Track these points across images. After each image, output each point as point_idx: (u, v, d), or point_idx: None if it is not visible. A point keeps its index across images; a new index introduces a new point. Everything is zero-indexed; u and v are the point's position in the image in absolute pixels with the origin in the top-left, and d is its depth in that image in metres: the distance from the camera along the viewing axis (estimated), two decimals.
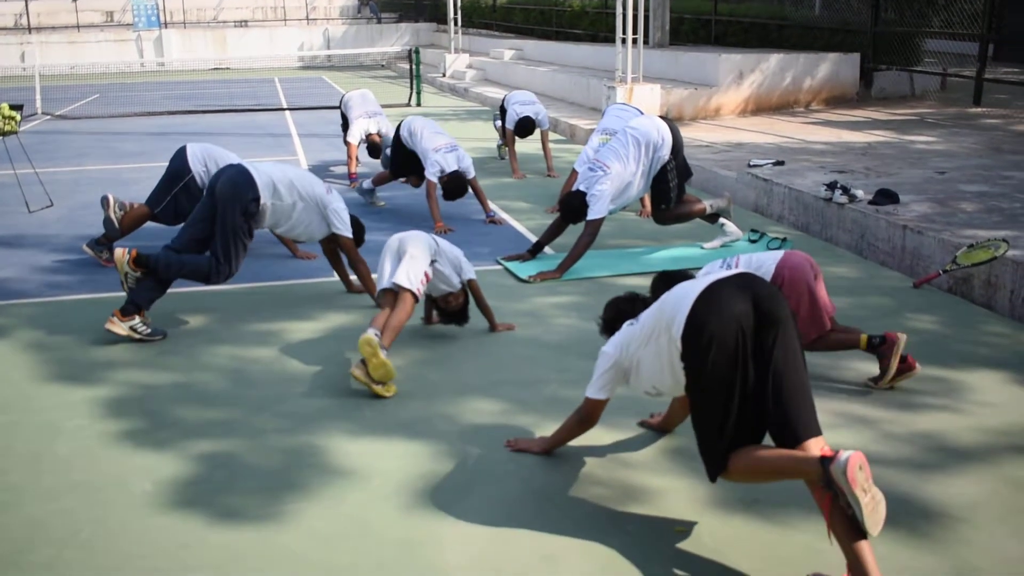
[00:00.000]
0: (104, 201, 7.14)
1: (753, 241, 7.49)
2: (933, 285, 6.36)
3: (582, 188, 6.88)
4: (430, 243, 5.19)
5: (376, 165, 10.52)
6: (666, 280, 4.36)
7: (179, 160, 7.11)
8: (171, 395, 4.77)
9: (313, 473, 3.93)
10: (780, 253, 4.73)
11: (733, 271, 3.37)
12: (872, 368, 4.80)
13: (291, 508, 3.65)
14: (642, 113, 9.27)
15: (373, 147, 10.25)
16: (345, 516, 3.60)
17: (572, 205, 6.88)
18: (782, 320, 3.12)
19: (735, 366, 3.09)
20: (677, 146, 6.96)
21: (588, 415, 3.84)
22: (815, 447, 3.06)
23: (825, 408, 4.42)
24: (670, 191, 7.03)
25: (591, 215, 6.76)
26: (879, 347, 4.68)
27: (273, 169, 5.81)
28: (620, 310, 3.90)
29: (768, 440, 3.20)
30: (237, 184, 5.61)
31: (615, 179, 6.80)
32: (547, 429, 4.23)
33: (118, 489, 3.82)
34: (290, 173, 5.83)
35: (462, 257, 5.38)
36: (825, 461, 2.88)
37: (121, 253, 5.47)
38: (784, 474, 3.12)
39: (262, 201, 5.61)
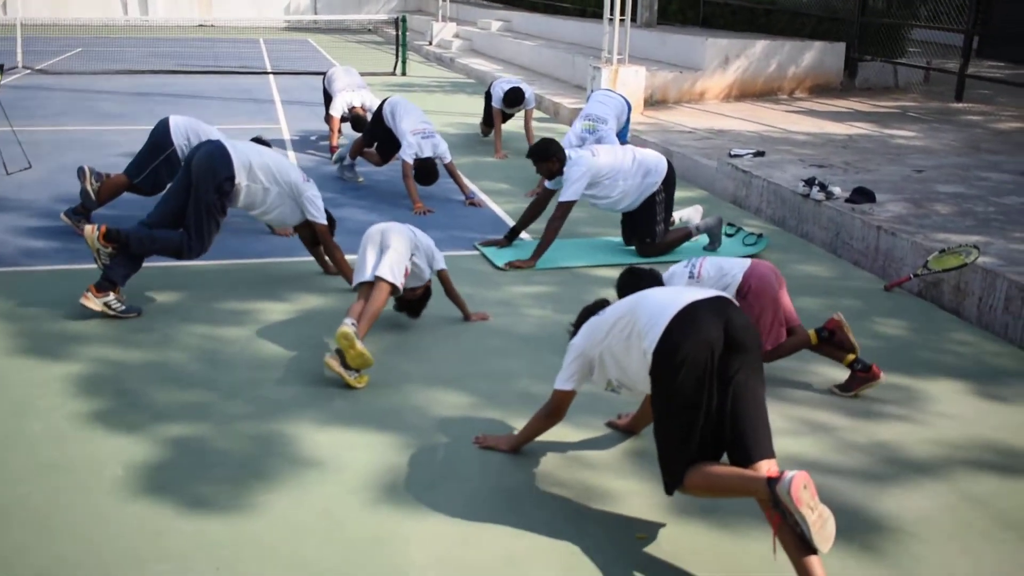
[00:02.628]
0: (80, 172, 7.13)
1: (729, 235, 7.55)
2: (904, 288, 6.45)
3: (567, 151, 6.90)
4: (410, 236, 5.23)
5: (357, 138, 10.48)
6: (633, 278, 4.46)
7: (161, 131, 7.10)
8: (144, 375, 4.80)
9: (283, 463, 3.98)
10: (747, 262, 4.79)
11: (710, 293, 3.43)
12: (836, 374, 4.88)
13: (261, 499, 3.71)
14: (627, 102, 9.33)
15: (357, 120, 10.23)
16: (313, 508, 3.66)
17: (547, 148, 6.88)
18: (750, 349, 3.27)
19: (701, 388, 3.21)
20: (670, 181, 7.04)
21: (556, 408, 3.92)
22: (764, 468, 3.18)
23: (788, 414, 4.53)
24: (656, 224, 7.02)
25: (563, 196, 6.79)
26: (830, 339, 4.78)
27: (251, 150, 5.81)
28: (590, 315, 3.96)
29: (725, 458, 3.32)
30: (213, 160, 5.61)
31: (595, 167, 6.82)
32: (516, 424, 4.31)
33: (89, 473, 3.86)
34: (267, 157, 5.83)
35: (434, 247, 5.42)
36: (771, 482, 3.00)
37: (91, 230, 5.45)
38: (735, 492, 3.24)
39: (236, 181, 5.63)
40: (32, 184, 8.77)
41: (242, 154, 5.68)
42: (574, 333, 3.92)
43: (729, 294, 4.64)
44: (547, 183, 7.05)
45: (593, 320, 3.79)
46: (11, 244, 6.94)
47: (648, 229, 7.06)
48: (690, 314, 3.30)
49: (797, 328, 4.81)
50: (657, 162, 7.04)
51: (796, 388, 4.84)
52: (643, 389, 3.53)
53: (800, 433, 4.35)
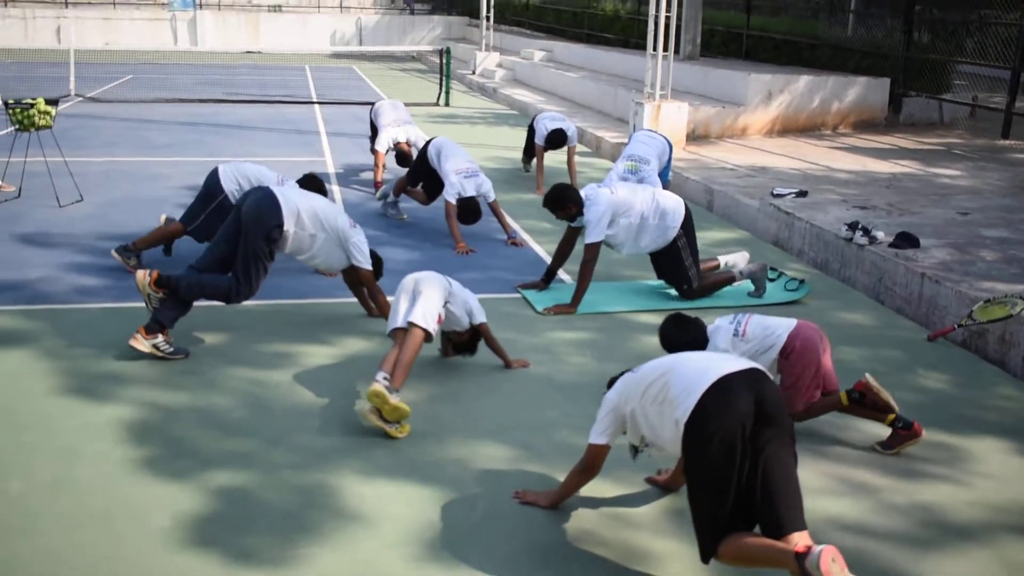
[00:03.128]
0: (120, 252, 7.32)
1: (771, 280, 7.53)
2: (948, 339, 6.40)
3: (583, 195, 6.92)
4: (444, 284, 5.29)
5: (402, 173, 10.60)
6: (678, 330, 4.54)
7: (212, 180, 7.26)
8: (190, 420, 4.89)
9: (325, 515, 4.04)
10: (793, 323, 4.80)
11: (744, 365, 3.47)
12: (877, 431, 4.86)
13: (303, 552, 3.76)
14: (669, 143, 9.37)
15: (402, 156, 10.35)
16: (355, 563, 3.71)
17: (561, 195, 6.85)
18: (780, 423, 3.34)
19: (733, 462, 3.28)
20: (688, 225, 7.03)
21: (590, 462, 3.97)
22: (795, 540, 3.23)
23: (828, 472, 4.52)
24: (687, 269, 7.02)
25: (587, 239, 6.80)
26: (861, 400, 4.75)
27: (300, 197, 5.91)
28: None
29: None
30: (262, 208, 5.72)
31: (614, 203, 6.81)
32: (555, 476, 4.34)
33: (136, 521, 3.94)
34: (316, 204, 5.93)
35: (473, 301, 5.47)
36: (800, 557, 3.06)
37: (143, 276, 5.58)
38: (768, 563, 3.28)
39: (285, 228, 5.72)
40: (83, 218, 8.96)
41: (290, 201, 5.79)
42: (609, 386, 3.97)
43: (773, 354, 4.67)
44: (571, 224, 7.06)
45: (628, 376, 3.85)
46: (62, 280, 7.10)
47: (681, 276, 7.07)
48: (723, 387, 3.36)
49: (834, 392, 4.80)
50: (675, 206, 7.02)
51: (836, 445, 4.83)
52: (673, 452, 3.60)
53: (840, 493, 4.33)
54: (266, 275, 5.86)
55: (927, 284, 6.84)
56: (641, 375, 3.75)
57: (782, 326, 4.78)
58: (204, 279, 5.68)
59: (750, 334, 4.75)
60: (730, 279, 7.20)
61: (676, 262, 7.03)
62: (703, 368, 3.47)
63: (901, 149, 12.96)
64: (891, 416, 4.74)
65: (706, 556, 3.41)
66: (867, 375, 4.81)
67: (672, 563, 3.77)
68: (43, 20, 31.00)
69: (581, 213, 6.86)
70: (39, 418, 4.87)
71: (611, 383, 4.01)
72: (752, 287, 7.22)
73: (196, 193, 7.34)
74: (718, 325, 4.88)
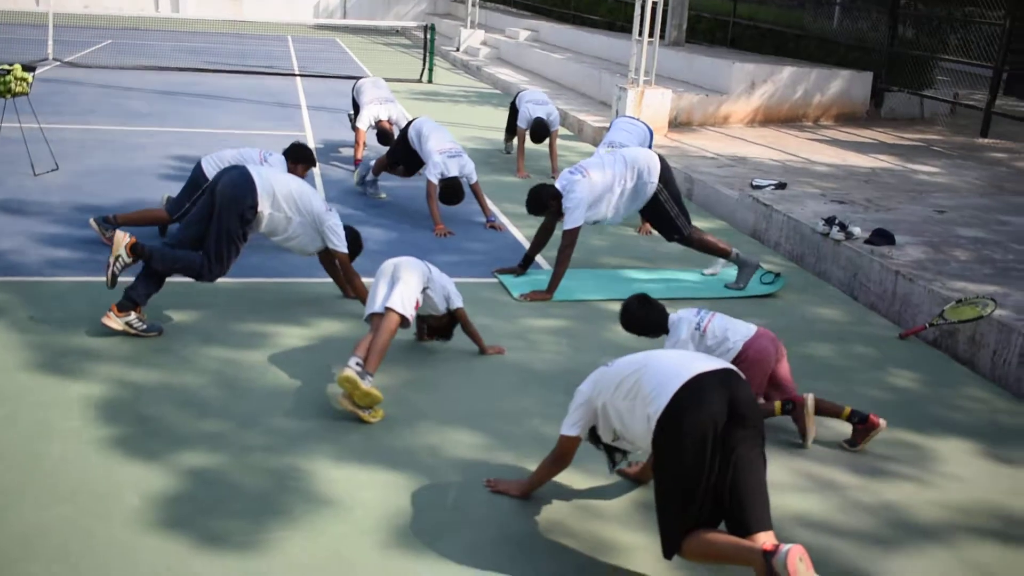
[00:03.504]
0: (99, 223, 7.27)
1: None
2: (919, 337, 6.47)
3: (558, 187, 6.94)
4: (423, 270, 5.28)
5: (383, 152, 10.56)
6: (642, 308, 4.65)
7: (196, 171, 7.21)
8: (162, 399, 4.88)
9: (297, 499, 4.05)
10: (752, 332, 4.86)
11: (717, 365, 3.51)
12: (845, 429, 4.91)
13: (274, 536, 3.77)
14: (650, 130, 9.36)
15: (383, 134, 10.30)
16: (325, 549, 3.73)
17: (539, 197, 6.88)
18: (752, 424, 3.38)
19: (702, 460, 3.31)
20: (666, 176, 7.00)
21: (562, 454, 4.00)
22: (762, 539, 3.27)
23: (795, 469, 4.57)
24: (673, 219, 7.07)
25: (567, 225, 6.81)
26: (791, 411, 4.81)
27: (276, 178, 5.87)
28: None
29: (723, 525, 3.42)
30: (237, 188, 5.68)
31: (590, 187, 6.82)
32: (528, 465, 4.36)
33: (108, 501, 3.94)
34: (291, 185, 5.90)
35: (451, 286, 5.48)
36: (767, 554, 3.10)
37: (122, 236, 5.52)
38: (732, 560, 3.33)
39: (260, 208, 5.69)
40: (58, 188, 8.88)
41: (266, 181, 5.75)
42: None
43: (727, 360, 4.70)
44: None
45: (602, 369, 3.88)
46: (34, 252, 7.03)
47: (670, 227, 7.10)
48: (697, 386, 3.39)
49: (785, 400, 4.85)
50: (648, 160, 6.98)
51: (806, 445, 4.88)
52: (644, 447, 3.63)
53: (807, 490, 4.39)
54: (238, 256, 5.82)
55: (901, 282, 6.90)
56: (615, 369, 3.78)
57: (740, 334, 4.84)
58: (177, 253, 5.65)
59: (710, 333, 4.82)
60: (726, 252, 7.22)
61: (662, 215, 7.06)
62: (677, 365, 3.50)
63: (881, 144, 13.03)
64: (846, 411, 4.79)
65: (669, 552, 3.43)
66: (809, 398, 4.80)
67: (640, 555, 3.80)
68: None
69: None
70: (9, 394, 4.84)
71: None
72: (735, 277, 7.25)
73: (175, 167, 7.32)
74: (681, 316, 4.92)
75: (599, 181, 6.86)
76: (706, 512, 3.37)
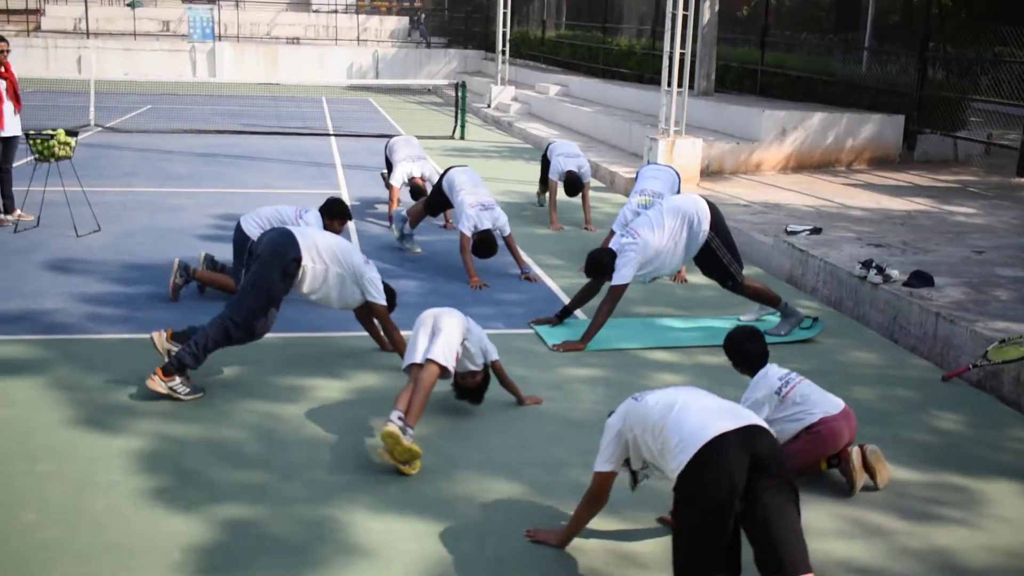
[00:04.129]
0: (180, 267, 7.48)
1: (804, 328, 7.41)
2: (962, 379, 6.37)
3: (613, 247, 6.95)
4: (463, 322, 5.30)
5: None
6: (744, 344, 4.88)
7: (238, 235, 7.33)
8: (203, 452, 4.91)
9: (335, 550, 4.04)
10: (836, 408, 4.78)
11: (741, 422, 3.52)
12: (897, 474, 4.83)
13: None
14: (677, 174, 9.38)
15: (416, 190, 10.41)
16: None
17: (601, 261, 6.88)
18: (777, 473, 3.40)
19: (720, 521, 3.37)
20: (717, 222, 6.99)
21: (598, 492, 4.01)
22: None
23: (840, 515, 4.50)
24: (726, 266, 7.02)
25: (615, 280, 6.81)
26: (837, 466, 4.75)
27: (315, 233, 5.95)
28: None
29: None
30: (279, 244, 5.74)
31: (644, 248, 6.82)
32: (568, 514, 4.31)
33: (148, 554, 3.95)
34: (331, 240, 5.97)
35: (486, 338, 5.49)
36: None
37: (157, 336, 5.60)
38: None
39: (303, 262, 5.74)
40: (100, 247, 9.03)
41: (307, 237, 5.82)
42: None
43: (799, 427, 4.70)
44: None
45: (631, 404, 3.90)
46: (78, 310, 7.15)
47: (723, 273, 7.07)
48: (717, 448, 3.42)
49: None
50: (696, 209, 6.94)
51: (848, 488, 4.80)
52: (673, 480, 3.64)
53: (852, 536, 4.31)
54: (266, 316, 5.74)
55: (941, 323, 6.82)
56: (644, 406, 3.80)
57: (822, 408, 4.75)
58: (207, 332, 5.59)
59: (790, 400, 4.75)
60: (776, 300, 7.19)
61: (714, 261, 7.02)
62: (701, 421, 3.53)
63: (916, 186, 12.97)
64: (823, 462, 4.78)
65: None
66: (855, 449, 4.74)
67: None
68: (64, 50, 31.43)
69: None
70: (53, 448, 4.90)
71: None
72: (776, 324, 7.18)
73: (215, 225, 7.44)
74: (768, 373, 4.85)
75: (653, 241, 6.84)
76: (721, 561, 3.41)
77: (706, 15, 16.65)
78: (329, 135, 18.90)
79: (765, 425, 3.56)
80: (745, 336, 4.86)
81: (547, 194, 11.34)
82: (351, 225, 10.44)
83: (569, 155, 10.93)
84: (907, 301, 7.22)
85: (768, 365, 4.88)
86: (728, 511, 3.35)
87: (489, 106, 23.77)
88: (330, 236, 6.04)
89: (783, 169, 14.25)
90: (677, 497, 3.50)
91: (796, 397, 4.76)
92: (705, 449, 3.41)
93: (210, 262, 7.67)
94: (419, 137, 11.66)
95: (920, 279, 7.54)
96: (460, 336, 5.23)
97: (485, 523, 4.31)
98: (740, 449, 3.39)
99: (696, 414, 3.59)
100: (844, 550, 4.17)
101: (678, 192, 9.47)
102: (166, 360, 5.45)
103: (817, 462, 4.76)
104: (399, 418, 4.75)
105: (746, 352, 4.87)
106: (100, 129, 18.12)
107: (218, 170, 14.05)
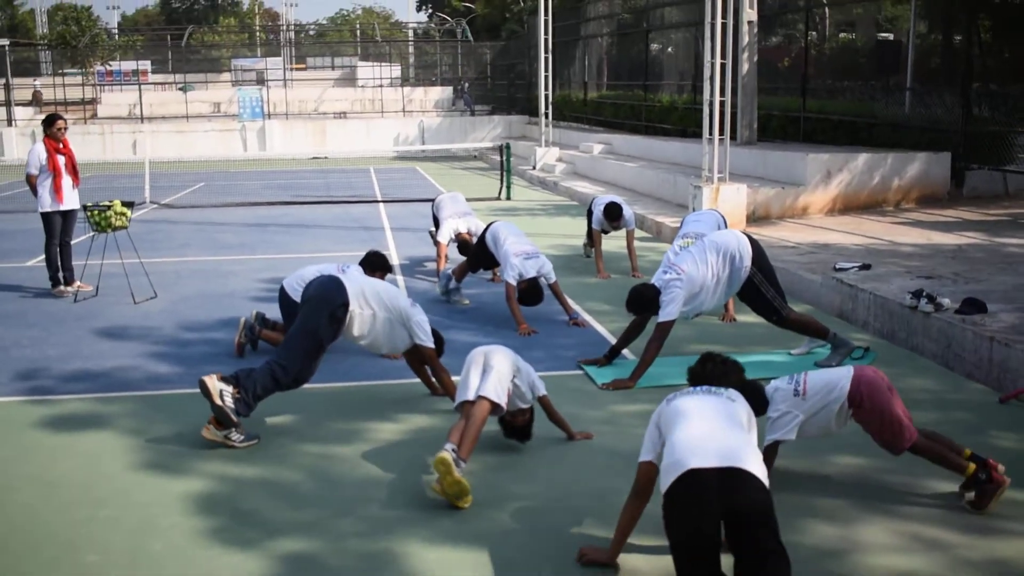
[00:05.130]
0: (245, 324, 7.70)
1: (856, 358, 7.37)
2: (1020, 400, 6.27)
3: (656, 284, 6.98)
4: (513, 359, 5.36)
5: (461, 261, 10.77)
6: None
7: (283, 298, 7.53)
8: (259, 493, 4.98)
9: None
10: (851, 370, 4.80)
11: (724, 463, 3.60)
12: (950, 486, 4.76)
13: None
14: (722, 216, 9.42)
15: (463, 245, 10.55)
16: None
17: (644, 296, 6.91)
18: (755, 522, 3.50)
19: (697, 548, 3.54)
20: (759, 258, 7.00)
21: (642, 484, 4.10)
22: None
23: (900, 530, 4.44)
24: (770, 301, 7.04)
25: (661, 317, 6.83)
26: (984, 483, 4.64)
27: (362, 279, 6.09)
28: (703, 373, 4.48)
29: None
30: (327, 290, 5.88)
31: (688, 283, 6.86)
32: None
33: None
34: (377, 285, 6.10)
35: (534, 374, 5.53)
36: None
37: (208, 379, 5.59)
38: None
39: (351, 308, 5.85)
40: (157, 313, 9.25)
41: (354, 283, 5.95)
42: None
43: (839, 405, 4.67)
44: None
45: (664, 405, 4.12)
46: (138, 369, 7.33)
47: (767, 308, 7.08)
48: (695, 483, 3.55)
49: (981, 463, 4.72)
50: (738, 244, 6.98)
51: (905, 504, 4.74)
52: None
53: (911, 550, 4.24)
54: (314, 360, 5.83)
55: (996, 348, 6.72)
56: (669, 412, 4.01)
57: (843, 376, 4.80)
58: (254, 376, 5.68)
59: (810, 391, 4.76)
60: (824, 331, 7.18)
61: (757, 296, 7.05)
62: (686, 452, 3.66)
63: (966, 221, 12.84)
64: (971, 468, 4.64)
65: None
66: (1007, 479, 4.69)
67: None
68: (120, 135, 32.47)
69: None
70: (115, 494, 5.01)
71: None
72: (827, 355, 7.16)
73: (265, 288, 7.61)
74: (776, 387, 4.89)
75: (696, 276, 6.89)
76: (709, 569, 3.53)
77: (745, 66, 16.81)
78: (377, 201, 19.22)
79: (755, 471, 3.59)
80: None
81: (593, 245, 11.43)
82: (401, 282, 10.60)
83: (610, 198, 11.14)
84: (960, 328, 7.14)
85: (771, 383, 4.95)
86: (696, 543, 3.51)
87: (534, 168, 24.04)
88: (376, 281, 6.17)
89: (830, 211, 14.20)
90: (663, 512, 3.67)
91: (814, 385, 4.80)
92: (683, 479, 3.56)
93: (261, 320, 7.82)
94: (466, 199, 11.82)
95: (972, 306, 7.46)
96: (511, 373, 5.28)
97: (538, 552, 4.32)
98: (713, 492, 3.50)
99: (690, 439, 3.71)
100: (904, 563, 4.10)
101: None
102: (217, 401, 5.52)
103: (896, 411, 4.71)
104: (452, 449, 4.79)
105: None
106: (156, 206, 18.62)
107: (269, 238, 14.35)
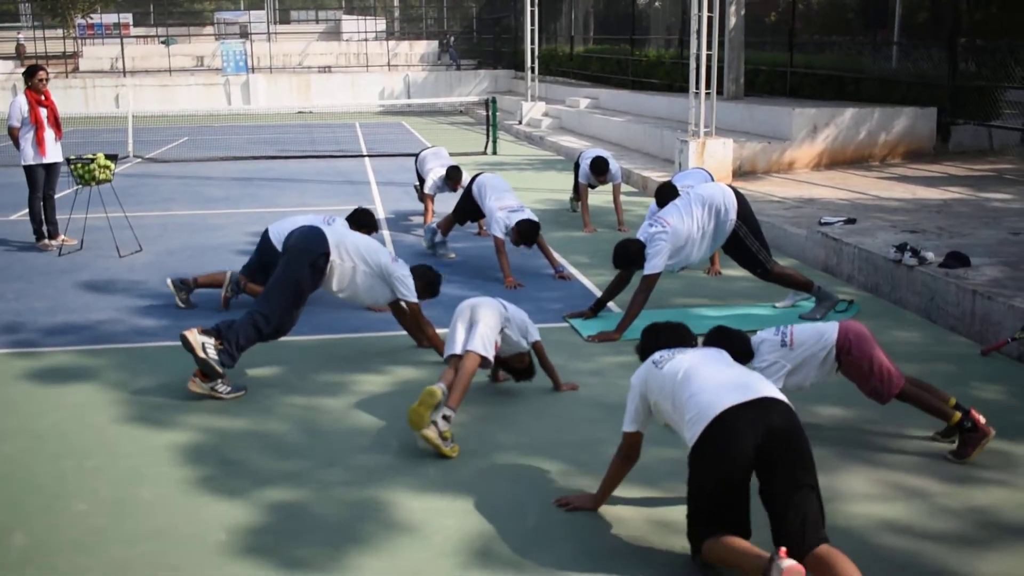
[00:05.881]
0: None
1: (840, 311, 7.41)
2: (1002, 353, 6.33)
3: (640, 238, 6.99)
4: (500, 310, 5.37)
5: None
6: (722, 338, 4.57)
7: (264, 243, 7.50)
8: (246, 444, 5.01)
9: (377, 527, 4.11)
10: (836, 323, 4.85)
11: (752, 395, 3.58)
12: (930, 442, 4.82)
13: (355, 562, 3.83)
14: (709, 174, 9.41)
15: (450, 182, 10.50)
16: (405, 572, 3.77)
17: (629, 250, 6.93)
18: (791, 447, 3.48)
19: (726, 491, 3.53)
20: (744, 211, 7.01)
21: (627, 450, 4.13)
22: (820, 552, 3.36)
23: (881, 479, 4.49)
24: (755, 254, 7.06)
25: (647, 270, 6.85)
26: (969, 431, 4.70)
27: (344, 232, 6.09)
28: (658, 343, 4.22)
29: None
30: (309, 240, 5.87)
31: (673, 235, 6.87)
32: None
33: (195, 537, 4.04)
34: (358, 239, 6.09)
35: (527, 320, 5.56)
36: (769, 560, 3.20)
37: (190, 332, 5.53)
38: (743, 567, 3.42)
39: (331, 258, 5.85)
40: (142, 266, 9.22)
41: (335, 234, 5.94)
42: (640, 353, 4.26)
43: (827, 355, 4.70)
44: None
45: (650, 367, 4.01)
46: (124, 322, 7.31)
47: (752, 261, 7.10)
48: (728, 423, 3.51)
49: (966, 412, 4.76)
50: (724, 197, 6.97)
51: (887, 452, 4.80)
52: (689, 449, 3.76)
53: (892, 498, 4.30)
54: (295, 310, 5.83)
55: (979, 301, 6.77)
56: (662, 376, 3.90)
57: (829, 328, 4.86)
58: (236, 327, 5.65)
59: (798, 341, 4.80)
60: (808, 284, 7.21)
61: (742, 249, 7.06)
62: (711, 399, 3.61)
63: (951, 176, 12.87)
64: (957, 416, 4.70)
65: (693, 555, 3.68)
66: (991, 431, 4.73)
67: (718, 567, 3.76)
68: (102, 89, 32.09)
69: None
70: (102, 445, 5.03)
71: (643, 352, 4.24)
72: (810, 309, 7.20)
73: (251, 242, 7.58)
74: (763, 338, 4.93)
75: (681, 229, 6.89)
76: (729, 522, 3.53)
77: (732, 19, 16.70)
78: (363, 156, 19.12)
79: (779, 396, 3.61)
80: (716, 340, 4.72)
81: (579, 200, 11.41)
82: (387, 237, 10.57)
83: (596, 152, 11.17)
84: (944, 281, 7.18)
85: (756, 334, 4.98)
86: (735, 483, 3.50)
87: (520, 122, 23.92)
88: (358, 235, 6.17)
89: (816, 166, 14.20)
90: (690, 466, 3.65)
91: (801, 336, 4.86)
92: (715, 423, 3.52)
93: (179, 283, 7.72)
94: (451, 154, 11.78)
95: (956, 259, 7.50)
96: (498, 326, 5.30)
97: (524, 499, 4.36)
98: (751, 423, 3.47)
99: (708, 389, 3.67)
100: (885, 511, 4.16)
101: None
102: (200, 354, 5.49)
103: (883, 357, 4.79)
104: (443, 388, 4.87)
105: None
106: (139, 160, 18.48)
107: (255, 192, 14.28)
